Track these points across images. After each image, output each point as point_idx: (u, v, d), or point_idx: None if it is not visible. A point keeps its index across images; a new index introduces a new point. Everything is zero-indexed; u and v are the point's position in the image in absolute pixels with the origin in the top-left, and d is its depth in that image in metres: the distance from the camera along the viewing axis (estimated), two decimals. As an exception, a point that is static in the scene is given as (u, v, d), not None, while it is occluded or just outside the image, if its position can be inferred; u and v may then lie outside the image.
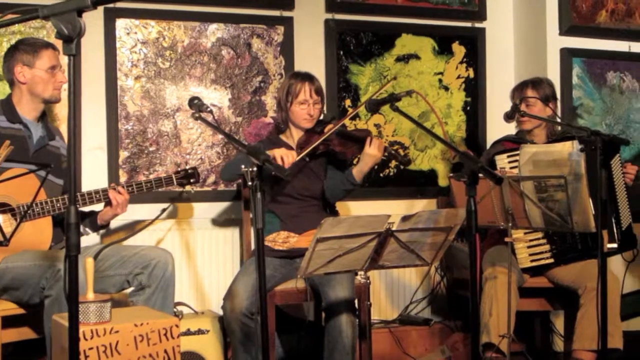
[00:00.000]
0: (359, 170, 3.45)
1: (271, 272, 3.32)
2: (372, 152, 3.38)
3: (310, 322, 3.93)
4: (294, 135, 3.58)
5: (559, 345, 4.25)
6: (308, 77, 3.54)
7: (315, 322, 3.86)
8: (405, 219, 2.63)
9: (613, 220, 3.45)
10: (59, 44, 2.97)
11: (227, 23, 4.06)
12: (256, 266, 2.43)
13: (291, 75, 3.61)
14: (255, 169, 2.46)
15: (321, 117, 3.61)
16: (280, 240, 3.44)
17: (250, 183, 2.45)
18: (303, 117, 3.51)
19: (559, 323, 4.23)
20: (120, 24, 3.88)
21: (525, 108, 3.69)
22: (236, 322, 3.17)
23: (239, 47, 4.08)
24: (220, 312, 3.36)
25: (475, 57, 4.52)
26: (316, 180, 3.55)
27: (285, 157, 3.26)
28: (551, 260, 3.58)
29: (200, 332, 3.53)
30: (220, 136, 3.99)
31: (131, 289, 3.22)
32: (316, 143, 3.41)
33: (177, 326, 2.59)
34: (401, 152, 4.22)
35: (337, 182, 3.50)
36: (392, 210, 3.95)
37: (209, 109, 2.97)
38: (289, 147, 3.55)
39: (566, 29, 4.41)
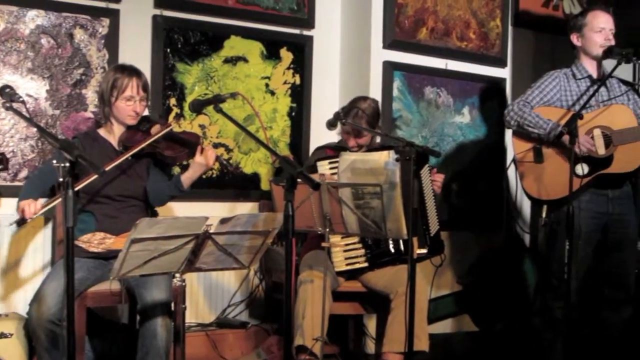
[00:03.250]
0: (188, 177, 3.39)
1: (84, 274, 3.19)
2: (203, 162, 3.33)
3: (124, 324, 3.82)
4: (115, 131, 3.45)
5: (370, 347, 4.39)
6: (135, 72, 3.41)
7: (130, 325, 3.75)
8: (223, 221, 2.62)
9: (423, 227, 3.61)
10: None
11: (48, 10, 3.86)
12: (64, 267, 2.32)
13: (116, 69, 3.45)
14: (67, 164, 2.36)
15: (146, 113, 3.51)
16: (95, 241, 3.31)
17: (61, 180, 2.34)
18: (128, 113, 3.38)
19: (371, 326, 4.37)
20: None
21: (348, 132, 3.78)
22: (42, 328, 3.01)
23: (60, 36, 3.90)
24: (27, 315, 3.19)
25: (302, 64, 4.59)
26: (138, 181, 3.44)
27: (27, 207, 3.08)
28: (365, 264, 3.68)
29: (2, 335, 3.33)
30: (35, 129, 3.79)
31: None
32: (143, 145, 3.30)
33: (-26, 329, 2.43)
34: (232, 162, 4.16)
35: (162, 187, 3.43)
36: (215, 212, 3.93)
37: (21, 99, 2.82)
38: (109, 144, 3.44)
39: (389, 43, 4.57)
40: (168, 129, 3.38)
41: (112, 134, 3.46)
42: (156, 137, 3.33)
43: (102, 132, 3.50)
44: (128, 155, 3.27)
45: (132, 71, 3.41)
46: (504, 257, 5.03)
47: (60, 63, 3.90)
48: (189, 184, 3.41)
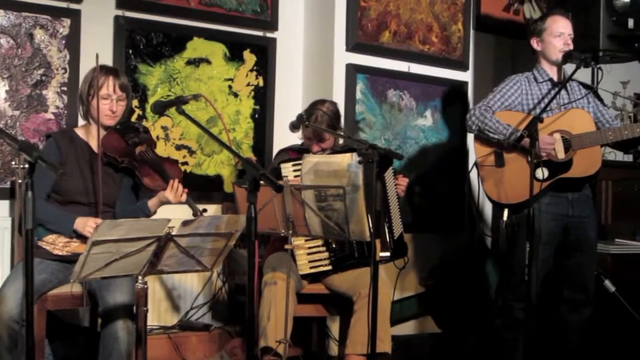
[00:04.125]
0: (154, 204, 3.39)
1: (47, 276, 3.15)
2: (169, 198, 3.33)
3: (85, 327, 3.78)
4: (94, 132, 3.39)
5: (334, 349, 4.40)
6: (113, 71, 3.38)
7: (91, 328, 3.72)
8: (185, 223, 2.60)
9: (386, 230, 3.63)
10: None
11: (8, 10, 3.81)
12: (23, 269, 2.29)
13: (95, 68, 3.38)
14: (27, 166, 2.33)
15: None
16: (60, 243, 3.27)
17: (20, 181, 2.31)
18: (104, 112, 3.32)
19: (335, 328, 4.38)
20: None
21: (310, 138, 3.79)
22: (4, 328, 2.97)
23: (20, 36, 3.85)
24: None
25: (266, 66, 4.59)
26: (112, 188, 3.39)
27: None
28: (329, 267, 3.69)
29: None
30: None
31: None
32: (124, 161, 3.28)
33: None
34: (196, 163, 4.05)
35: (130, 211, 3.39)
36: (177, 214, 3.90)
37: (-21, 100, 2.77)
38: (87, 146, 3.38)
39: (352, 46, 4.59)
40: (152, 158, 3.37)
41: (91, 135, 3.41)
42: (138, 157, 3.35)
43: (80, 132, 3.44)
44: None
45: (109, 70, 3.39)
46: (466, 259, 5.07)
47: (20, 63, 3.85)
48: (155, 210, 3.41)
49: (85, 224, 3.20)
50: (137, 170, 3.35)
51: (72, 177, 3.31)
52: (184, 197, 3.35)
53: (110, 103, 3.34)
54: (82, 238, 3.23)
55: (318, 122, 3.71)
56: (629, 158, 5.15)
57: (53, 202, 3.31)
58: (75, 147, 3.38)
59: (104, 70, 3.37)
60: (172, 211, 4.06)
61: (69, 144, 3.37)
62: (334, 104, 3.88)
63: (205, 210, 3.36)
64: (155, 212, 3.42)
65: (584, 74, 4.11)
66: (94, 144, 3.39)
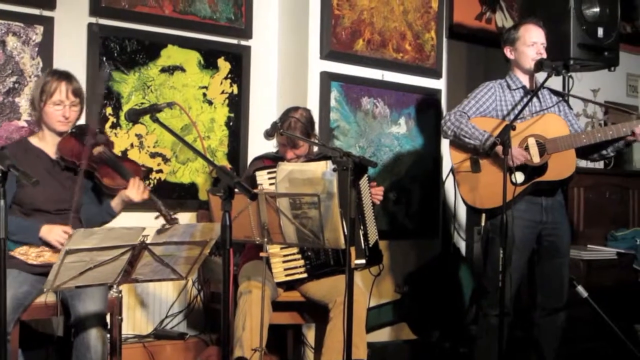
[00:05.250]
0: (117, 204, 3.35)
1: (28, 288, 3.12)
2: (131, 197, 3.28)
3: (59, 337, 3.74)
4: (48, 139, 3.34)
5: (309, 357, 4.40)
6: (66, 76, 3.30)
7: (65, 338, 3.69)
8: (160, 231, 2.60)
9: (361, 237, 3.64)
10: None
11: (-21, 17, 3.80)
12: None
13: (48, 73, 3.34)
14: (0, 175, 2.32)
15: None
16: (33, 254, 3.23)
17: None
18: (57, 119, 3.26)
19: (310, 335, 4.38)
20: None
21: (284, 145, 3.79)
22: None
23: (-8, 44, 3.83)
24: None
25: (240, 73, 4.59)
26: (77, 193, 3.36)
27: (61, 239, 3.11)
28: (305, 275, 3.69)
29: None
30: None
31: None
32: (83, 164, 3.21)
33: None
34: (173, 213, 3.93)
35: (94, 214, 3.37)
36: (151, 223, 3.89)
37: (-51, 108, 2.74)
38: (44, 153, 3.34)
39: (326, 54, 4.61)
40: (106, 154, 3.32)
41: (45, 142, 3.36)
42: (95, 157, 3.28)
43: (34, 140, 3.38)
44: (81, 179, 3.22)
45: (62, 75, 3.30)
46: (441, 265, 5.10)
47: (-8, 71, 3.83)
48: (119, 209, 3.37)
49: (51, 231, 3.15)
50: (96, 172, 3.30)
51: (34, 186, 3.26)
52: (146, 194, 3.29)
53: (63, 109, 3.26)
54: (53, 247, 3.20)
55: (292, 128, 3.71)
56: (600, 165, 5.23)
57: (16, 213, 3.26)
58: (31, 157, 3.31)
59: (56, 75, 3.30)
60: (149, 219, 4.06)
61: (24, 155, 3.29)
62: (308, 111, 3.89)
63: (175, 213, 3.33)
64: (120, 212, 3.38)
65: (556, 82, 4.16)
66: (49, 151, 3.35)
